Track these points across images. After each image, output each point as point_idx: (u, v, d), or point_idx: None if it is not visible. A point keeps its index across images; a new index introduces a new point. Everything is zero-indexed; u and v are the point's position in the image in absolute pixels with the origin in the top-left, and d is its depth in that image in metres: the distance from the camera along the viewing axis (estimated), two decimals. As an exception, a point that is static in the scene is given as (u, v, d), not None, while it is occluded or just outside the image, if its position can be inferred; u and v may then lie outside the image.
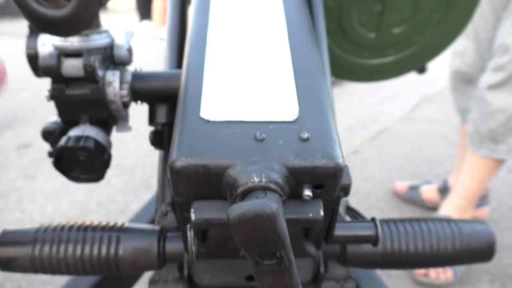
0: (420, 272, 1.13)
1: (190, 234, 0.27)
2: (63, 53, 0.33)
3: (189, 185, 0.25)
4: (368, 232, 0.32)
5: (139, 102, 0.37)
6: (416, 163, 1.95)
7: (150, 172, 1.82)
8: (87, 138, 0.33)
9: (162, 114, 0.38)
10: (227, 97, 0.28)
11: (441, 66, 1.65)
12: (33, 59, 0.35)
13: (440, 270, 1.13)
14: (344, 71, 0.76)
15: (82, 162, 0.34)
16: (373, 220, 0.32)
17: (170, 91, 0.36)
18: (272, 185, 0.23)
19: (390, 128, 2.31)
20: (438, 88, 2.83)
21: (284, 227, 0.20)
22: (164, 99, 0.37)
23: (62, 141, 0.33)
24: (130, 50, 0.37)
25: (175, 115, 0.28)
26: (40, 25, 0.27)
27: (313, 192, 0.25)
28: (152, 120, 0.38)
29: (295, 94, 0.28)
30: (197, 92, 0.28)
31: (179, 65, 0.44)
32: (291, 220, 0.25)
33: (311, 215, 0.25)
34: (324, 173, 0.24)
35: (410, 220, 0.34)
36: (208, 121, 0.26)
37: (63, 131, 0.36)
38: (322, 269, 0.33)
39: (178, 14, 0.47)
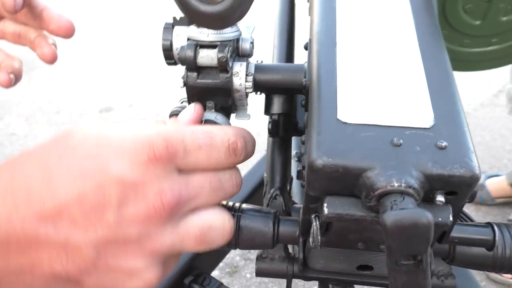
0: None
1: (316, 224, 0.29)
2: (199, 44, 0.35)
3: (324, 182, 0.26)
4: (484, 236, 0.32)
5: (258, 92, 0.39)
6: (497, 154, 1.84)
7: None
8: (210, 122, 0.36)
9: (279, 104, 0.40)
10: (362, 99, 0.29)
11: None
12: (167, 49, 0.38)
13: None
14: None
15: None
16: (490, 224, 0.32)
17: (289, 83, 0.38)
18: (410, 190, 0.24)
19: (469, 114, 2.19)
20: (526, 73, 2.61)
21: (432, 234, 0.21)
22: (282, 91, 0.39)
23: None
24: (252, 43, 0.39)
25: (308, 114, 0.30)
26: (197, 19, 0.30)
27: (445, 198, 0.26)
28: (268, 109, 0.40)
29: (429, 99, 0.29)
30: (332, 93, 0.29)
31: (288, 58, 0.45)
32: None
33: (440, 219, 0.26)
34: (460, 182, 0.25)
35: None
36: (345, 123, 0.27)
37: (189, 115, 0.39)
38: (432, 266, 0.34)
39: (287, 9, 0.49)
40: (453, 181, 0.25)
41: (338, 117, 0.28)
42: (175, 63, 0.40)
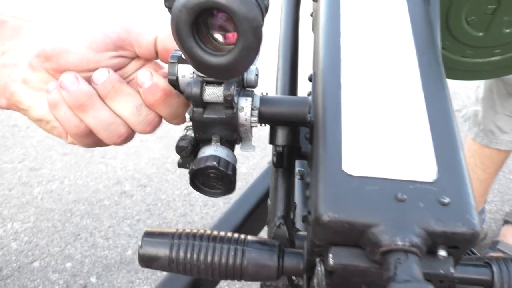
0: None
1: (320, 268, 0.30)
2: (205, 81, 0.36)
3: (330, 235, 0.27)
4: (483, 276, 0.33)
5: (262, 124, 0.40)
6: None
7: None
8: (220, 158, 0.37)
9: (283, 136, 0.40)
10: (366, 149, 0.29)
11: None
12: (174, 84, 0.38)
13: None
14: (445, 68, 0.74)
15: (212, 179, 0.38)
16: (488, 264, 0.33)
17: (294, 117, 0.38)
18: (413, 249, 0.25)
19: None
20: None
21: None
22: (286, 123, 0.39)
23: (201, 162, 0.36)
24: (257, 74, 0.39)
25: (314, 161, 0.30)
26: (202, 69, 0.30)
27: (446, 251, 0.27)
28: (272, 140, 0.40)
29: (433, 150, 0.29)
30: (337, 142, 0.29)
31: (291, 89, 0.46)
32: (423, 274, 0.27)
33: (442, 271, 0.27)
34: (462, 238, 0.26)
35: None
36: (350, 176, 0.28)
37: (194, 147, 0.40)
38: None
39: (290, 40, 0.49)
40: (455, 238, 0.26)
41: (343, 168, 0.28)
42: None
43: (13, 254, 1.23)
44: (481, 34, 0.67)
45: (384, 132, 0.30)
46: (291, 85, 0.47)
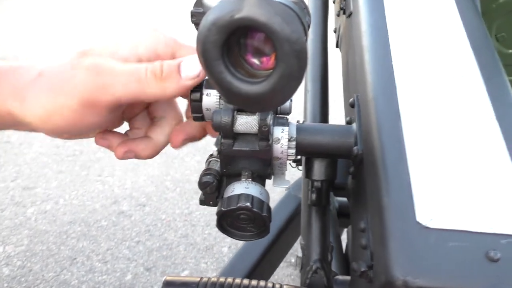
0: None
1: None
2: (235, 109, 0.31)
3: None
4: None
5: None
6: None
7: (222, 152, 1.83)
8: (253, 197, 0.31)
9: (321, 170, 0.35)
10: (443, 194, 0.24)
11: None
12: (197, 110, 0.33)
13: None
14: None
15: (243, 220, 0.33)
16: None
17: (336, 149, 0.33)
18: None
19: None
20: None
21: None
22: (326, 155, 0.35)
23: (231, 202, 0.31)
24: (291, 99, 0.34)
25: (372, 209, 0.25)
26: (231, 98, 0.25)
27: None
28: (309, 174, 0.35)
29: (522, 195, 0.24)
30: (405, 185, 0.25)
31: (322, 116, 0.41)
32: None
33: None
34: None
35: None
36: (427, 229, 0.23)
37: (220, 182, 0.35)
38: None
39: (319, 60, 0.44)
40: None
41: (418, 219, 0.23)
42: (202, 118, 0.35)
43: (5, 280, 1.16)
44: (511, 51, 0.63)
45: (462, 172, 0.25)
46: (322, 110, 0.42)
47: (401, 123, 0.28)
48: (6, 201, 1.48)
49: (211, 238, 1.39)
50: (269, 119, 0.30)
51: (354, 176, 0.33)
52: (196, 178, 1.67)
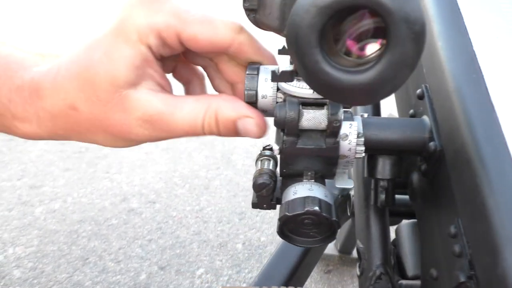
0: None
1: None
2: (301, 102, 0.28)
3: None
4: None
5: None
6: None
7: (229, 147, 1.81)
8: (320, 201, 0.29)
9: (387, 167, 0.32)
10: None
11: None
12: (252, 101, 0.30)
13: None
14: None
15: (306, 225, 0.30)
16: None
17: (407, 145, 0.30)
18: None
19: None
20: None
21: None
22: (393, 152, 0.32)
23: (297, 206, 0.28)
24: None
25: (473, 213, 0.23)
26: (327, 91, 0.22)
27: None
28: (373, 173, 0.32)
29: None
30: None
31: (374, 108, 0.38)
32: None
33: None
34: None
35: None
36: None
37: (276, 182, 0.32)
38: None
39: None
40: None
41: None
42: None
43: (17, 283, 1.13)
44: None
45: None
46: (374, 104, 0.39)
47: (496, 115, 0.25)
48: (14, 201, 1.45)
49: (224, 235, 1.36)
50: (341, 113, 0.27)
51: (426, 175, 0.30)
52: (204, 173, 1.64)
